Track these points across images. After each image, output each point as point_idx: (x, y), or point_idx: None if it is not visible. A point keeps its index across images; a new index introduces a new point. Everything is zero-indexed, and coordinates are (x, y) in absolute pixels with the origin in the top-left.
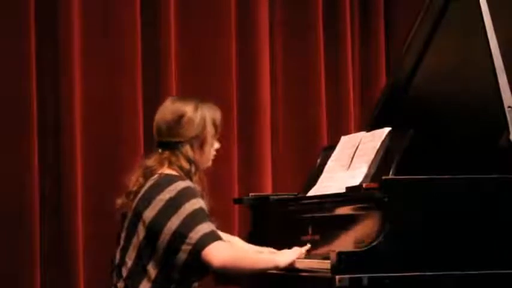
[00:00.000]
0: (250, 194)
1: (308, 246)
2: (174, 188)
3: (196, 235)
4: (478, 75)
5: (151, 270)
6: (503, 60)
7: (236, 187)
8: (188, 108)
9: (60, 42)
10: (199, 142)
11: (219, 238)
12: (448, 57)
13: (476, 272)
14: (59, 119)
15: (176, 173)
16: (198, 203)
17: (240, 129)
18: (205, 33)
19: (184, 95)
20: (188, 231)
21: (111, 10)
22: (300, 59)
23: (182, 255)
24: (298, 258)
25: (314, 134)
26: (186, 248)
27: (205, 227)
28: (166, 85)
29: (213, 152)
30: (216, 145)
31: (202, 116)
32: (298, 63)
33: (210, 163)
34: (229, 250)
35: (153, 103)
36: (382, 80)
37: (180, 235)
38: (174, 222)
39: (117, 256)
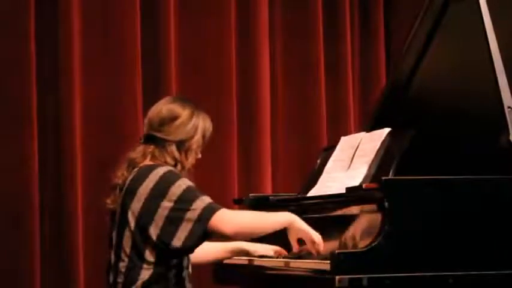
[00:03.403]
0: (250, 194)
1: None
2: (156, 174)
3: (196, 210)
4: (478, 76)
5: (149, 257)
6: (503, 61)
7: (236, 187)
8: (184, 112)
9: (60, 43)
10: (185, 147)
11: (220, 207)
12: (448, 58)
13: (476, 272)
14: (59, 118)
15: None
16: (183, 183)
17: (240, 130)
18: (205, 33)
19: (183, 98)
20: (185, 210)
21: (111, 10)
22: (300, 59)
23: (183, 232)
24: (310, 238)
25: (314, 134)
26: (186, 224)
27: (201, 202)
28: (166, 85)
29: (193, 162)
30: (198, 155)
31: (195, 124)
32: (298, 63)
33: (187, 170)
34: (238, 215)
35: (153, 103)
36: (382, 80)
37: (175, 216)
38: (165, 208)
39: (112, 256)
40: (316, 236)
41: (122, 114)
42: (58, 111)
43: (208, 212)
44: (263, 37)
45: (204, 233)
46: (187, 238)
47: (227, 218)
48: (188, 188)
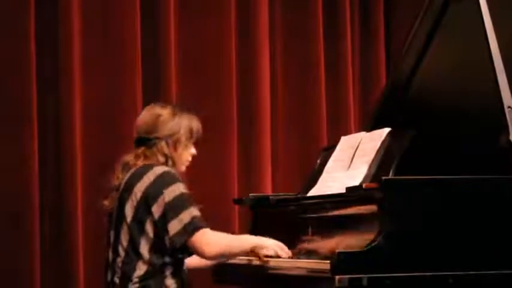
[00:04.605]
0: (250, 194)
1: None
2: (153, 173)
3: (182, 220)
4: (478, 76)
5: (145, 252)
6: (503, 61)
7: (236, 187)
8: (165, 111)
9: (60, 43)
10: (173, 141)
11: (203, 225)
12: (448, 58)
13: (476, 272)
14: (59, 118)
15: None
16: (178, 188)
17: (240, 130)
18: (205, 33)
19: (164, 103)
20: (169, 220)
21: (111, 10)
22: (300, 59)
23: (169, 238)
24: (275, 254)
25: (314, 134)
26: (172, 233)
27: (189, 213)
28: (166, 85)
29: (188, 158)
30: (193, 150)
31: (178, 120)
32: (298, 63)
33: (183, 168)
34: (219, 240)
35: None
36: (382, 80)
37: (162, 223)
38: (156, 210)
39: (110, 254)
40: (280, 248)
41: (122, 114)
42: (58, 111)
43: (191, 227)
44: (263, 37)
45: (183, 245)
46: (171, 240)
47: (208, 240)
48: (181, 195)
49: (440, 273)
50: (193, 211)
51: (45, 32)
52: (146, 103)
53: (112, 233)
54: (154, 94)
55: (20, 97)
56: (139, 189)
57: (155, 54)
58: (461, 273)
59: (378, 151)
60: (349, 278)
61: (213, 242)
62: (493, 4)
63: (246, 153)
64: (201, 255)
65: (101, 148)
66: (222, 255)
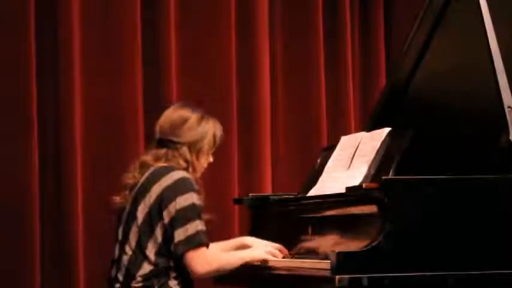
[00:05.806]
0: (250, 194)
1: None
2: (171, 177)
3: (187, 230)
4: (478, 76)
5: (151, 254)
6: (503, 61)
7: (236, 187)
8: (194, 115)
9: (60, 42)
10: (197, 149)
11: (205, 242)
12: (448, 58)
13: (476, 272)
14: (58, 119)
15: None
16: (191, 198)
17: (240, 129)
18: (205, 33)
19: (192, 104)
20: (176, 228)
21: (111, 10)
22: (300, 59)
23: (173, 244)
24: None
25: (314, 134)
26: (176, 241)
27: (195, 226)
28: (166, 85)
29: (206, 165)
30: (210, 159)
31: (205, 126)
32: (298, 63)
33: (199, 174)
34: (212, 261)
35: (153, 103)
36: (382, 80)
37: (170, 229)
38: (166, 215)
39: (116, 250)
40: (272, 253)
41: (122, 114)
42: (58, 111)
43: (193, 241)
44: (263, 37)
45: (181, 255)
46: (174, 247)
47: (203, 260)
48: (192, 206)
49: (441, 273)
50: (199, 225)
51: (45, 32)
52: (146, 103)
53: (121, 231)
54: (154, 94)
55: (20, 97)
56: (155, 191)
57: (155, 53)
58: (461, 273)
59: (378, 151)
60: (349, 278)
61: (207, 262)
62: (493, 4)
63: (246, 153)
64: (193, 272)
65: (101, 148)
66: (213, 273)
